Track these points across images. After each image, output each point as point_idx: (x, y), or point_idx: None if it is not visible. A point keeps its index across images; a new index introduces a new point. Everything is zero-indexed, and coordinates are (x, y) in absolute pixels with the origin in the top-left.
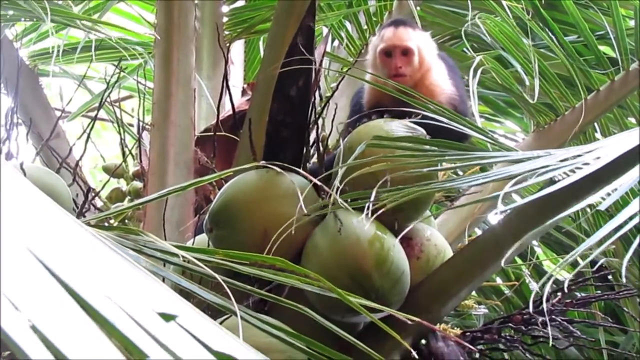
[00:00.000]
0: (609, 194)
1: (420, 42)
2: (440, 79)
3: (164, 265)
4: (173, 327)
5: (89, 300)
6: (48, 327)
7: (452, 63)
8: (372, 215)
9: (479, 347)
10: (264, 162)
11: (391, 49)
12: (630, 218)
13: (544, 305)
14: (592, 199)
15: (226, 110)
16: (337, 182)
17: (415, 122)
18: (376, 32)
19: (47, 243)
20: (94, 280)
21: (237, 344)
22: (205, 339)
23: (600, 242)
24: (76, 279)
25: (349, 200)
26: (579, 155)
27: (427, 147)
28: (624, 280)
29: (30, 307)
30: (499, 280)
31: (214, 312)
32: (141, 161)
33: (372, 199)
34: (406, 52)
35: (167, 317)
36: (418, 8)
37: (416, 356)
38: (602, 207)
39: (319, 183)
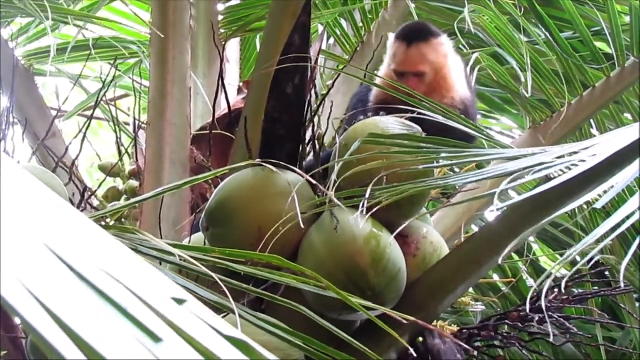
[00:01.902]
0: (605, 192)
1: (435, 57)
2: (457, 82)
3: (161, 264)
4: (184, 312)
5: (103, 288)
6: (62, 311)
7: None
8: (367, 212)
9: (476, 344)
10: (259, 160)
11: (403, 72)
12: (628, 217)
13: (542, 302)
14: (588, 196)
15: (222, 109)
16: (332, 180)
17: (413, 120)
18: (389, 37)
19: (59, 234)
20: (106, 268)
21: (242, 334)
22: (215, 325)
23: (598, 240)
24: (89, 268)
25: (345, 198)
26: (575, 153)
27: (423, 144)
28: (621, 277)
29: (45, 293)
30: (495, 277)
31: (211, 310)
32: (137, 160)
33: (367, 196)
34: (419, 74)
35: (179, 301)
36: (413, 5)
37: (414, 354)
38: (598, 205)
39: (313, 182)
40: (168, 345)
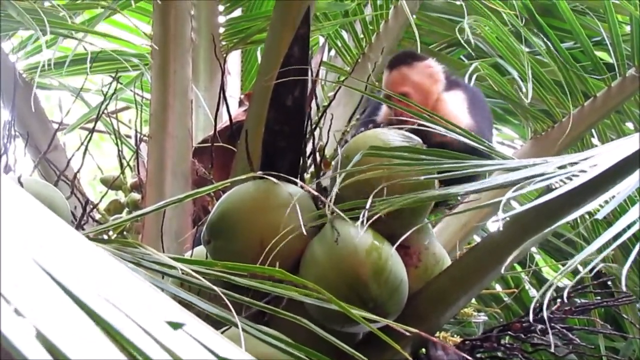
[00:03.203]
0: (607, 202)
1: (419, 78)
2: (455, 109)
3: (163, 278)
4: (180, 335)
5: (95, 309)
6: (54, 334)
7: (475, 89)
8: (368, 223)
9: (478, 355)
10: (260, 172)
11: (390, 95)
12: (629, 226)
13: (544, 312)
14: (590, 206)
15: (223, 121)
16: (334, 192)
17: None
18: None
19: (51, 254)
20: (99, 289)
21: (241, 353)
22: (211, 347)
23: (600, 250)
24: (81, 288)
25: (346, 210)
26: (576, 163)
27: (424, 156)
28: (623, 286)
29: (34, 314)
30: (498, 288)
31: (213, 323)
32: (139, 173)
33: (367, 207)
34: (404, 95)
35: (175, 325)
36: (414, 16)
37: None
38: (600, 215)
39: (315, 193)
40: None
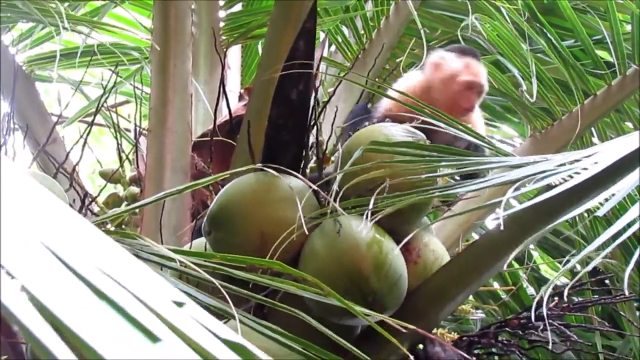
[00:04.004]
0: (606, 200)
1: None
2: (478, 120)
3: (161, 269)
4: (183, 314)
5: (102, 288)
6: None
7: None
8: (370, 220)
9: (476, 351)
10: (261, 164)
11: (474, 86)
12: (629, 225)
13: (542, 309)
14: (589, 204)
15: (223, 115)
16: (335, 188)
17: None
18: (444, 52)
19: (58, 235)
20: (106, 269)
21: (241, 338)
22: (212, 329)
23: (599, 249)
24: (88, 268)
25: (349, 206)
26: (576, 161)
27: (426, 152)
28: (625, 285)
29: (43, 293)
30: (496, 285)
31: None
32: (138, 166)
33: (371, 205)
34: (481, 91)
35: (179, 304)
36: (416, 12)
37: None
38: (599, 213)
39: (315, 188)
40: (166, 345)
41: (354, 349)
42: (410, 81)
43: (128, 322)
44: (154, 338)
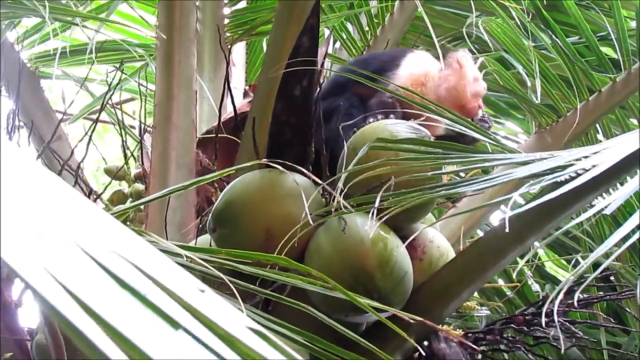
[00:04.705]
0: (611, 195)
1: None
2: None
3: None
4: (204, 298)
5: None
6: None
7: None
8: (380, 221)
9: (481, 348)
10: (266, 160)
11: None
12: (639, 227)
13: (548, 306)
14: (595, 202)
15: (228, 112)
16: (340, 184)
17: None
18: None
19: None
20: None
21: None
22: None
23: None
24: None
25: (355, 204)
26: (583, 158)
27: (431, 149)
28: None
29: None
30: (500, 282)
31: None
32: (143, 163)
33: (377, 204)
34: None
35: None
36: (420, 9)
37: (422, 353)
38: (606, 211)
39: (321, 182)
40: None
41: (362, 340)
42: (417, 68)
43: (150, 310)
44: (175, 325)
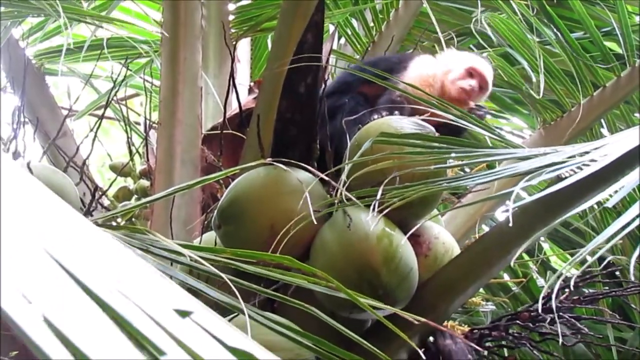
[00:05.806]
0: (616, 191)
1: None
2: None
3: (171, 265)
4: (188, 324)
5: (104, 297)
6: (63, 324)
7: None
8: (380, 212)
9: (486, 344)
10: (271, 158)
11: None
12: (639, 215)
13: (552, 302)
14: (599, 196)
15: (233, 108)
16: (344, 178)
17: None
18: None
19: (61, 242)
20: (108, 277)
21: (248, 341)
22: (219, 335)
23: (608, 240)
24: (91, 277)
25: (357, 197)
26: (586, 152)
27: (435, 144)
28: (632, 277)
29: (45, 303)
30: (506, 277)
31: (221, 311)
32: (148, 159)
33: (379, 197)
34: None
35: (183, 314)
36: (425, 5)
37: (423, 356)
38: (609, 204)
39: (326, 178)
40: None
41: (364, 342)
42: (425, 70)
43: (131, 336)
44: (159, 351)
